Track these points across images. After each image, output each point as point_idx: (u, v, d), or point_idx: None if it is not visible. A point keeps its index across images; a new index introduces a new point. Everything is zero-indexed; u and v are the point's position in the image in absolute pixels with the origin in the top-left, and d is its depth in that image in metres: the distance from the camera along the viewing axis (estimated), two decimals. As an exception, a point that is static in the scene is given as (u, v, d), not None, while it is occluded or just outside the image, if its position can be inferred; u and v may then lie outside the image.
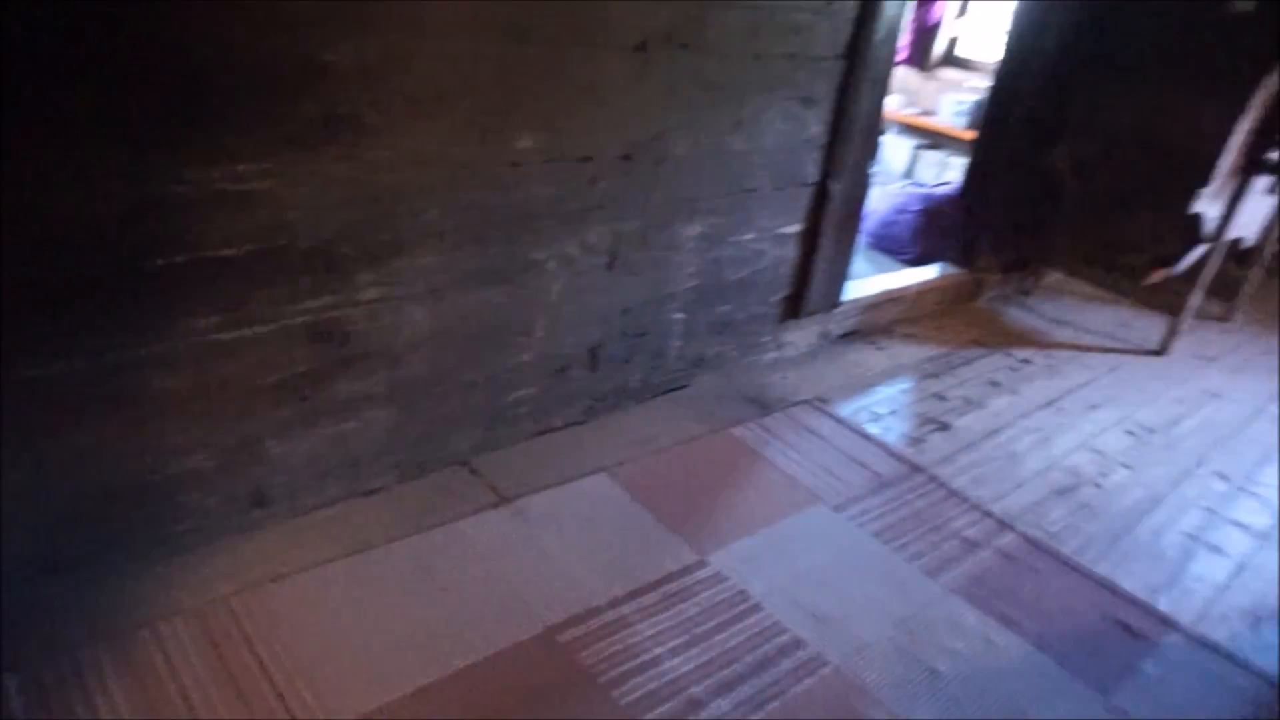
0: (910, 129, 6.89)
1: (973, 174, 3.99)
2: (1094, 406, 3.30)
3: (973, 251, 3.99)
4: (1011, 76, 3.73)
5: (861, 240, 4.10)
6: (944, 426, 2.95)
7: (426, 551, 1.98)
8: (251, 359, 1.77)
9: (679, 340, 2.72)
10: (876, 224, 4.67)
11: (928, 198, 4.54)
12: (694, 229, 2.54)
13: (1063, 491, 2.69)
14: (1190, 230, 3.61)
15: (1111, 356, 3.82)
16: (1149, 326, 4.13)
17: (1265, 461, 3.12)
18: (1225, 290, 4.38)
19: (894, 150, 6.89)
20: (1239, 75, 3.32)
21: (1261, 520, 2.74)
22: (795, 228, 2.87)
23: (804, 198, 2.84)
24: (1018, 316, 4.09)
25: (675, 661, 1.79)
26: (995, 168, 3.89)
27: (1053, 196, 4.05)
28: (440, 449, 2.24)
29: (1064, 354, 3.75)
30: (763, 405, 2.86)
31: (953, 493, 2.57)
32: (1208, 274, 3.81)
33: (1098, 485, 2.77)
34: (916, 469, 2.65)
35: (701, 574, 2.06)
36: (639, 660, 1.78)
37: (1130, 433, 3.15)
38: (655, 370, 2.71)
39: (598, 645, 1.80)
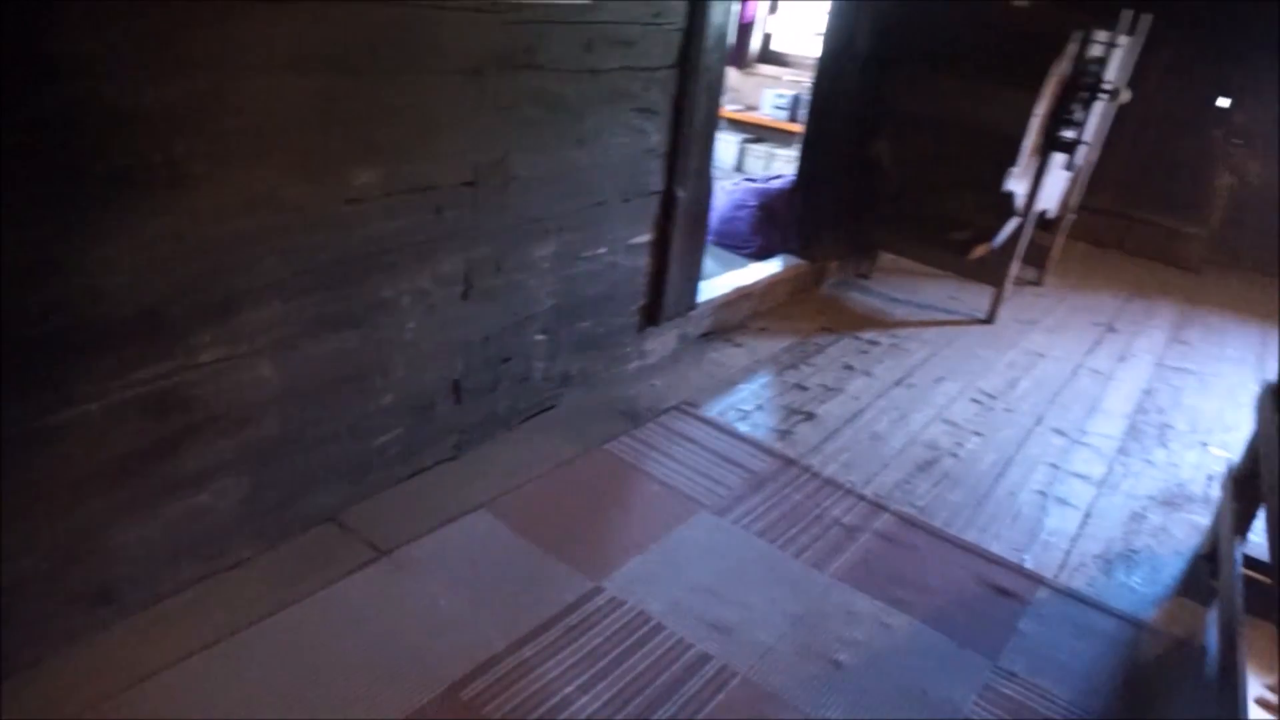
0: (735, 124, 7.08)
1: (804, 167, 4.13)
2: (940, 379, 3.49)
3: (812, 241, 4.13)
4: (831, 72, 3.88)
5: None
6: (809, 416, 3.03)
7: (304, 623, 1.84)
8: (80, 443, 1.58)
9: (543, 362, 2.66)
10: (716, 221, 4.75)
11: (764, 192, 4.67)
12: (547, 249, 2.48)
13: (925, 465, 2.82)
14: (1005, 207, 3.88)
15: (948, 329, 4.05)
16: (976, 297, 4.41)
17: (1092, 412, 3.39)
18: (1035, 257, 4.74)
19: (723, 146, 7.06)
20: (1033, 63, 3.59)
21: (1097, 469, 2.97)
22: (646, 237, 2.87)
23: (652, 207, 2.84)
24: (859, 300, 4.27)
25: (586, 699, 1.74)
26: (825, 160, 4.04)
27: (879, 184, 4.26)
28: (305, 509, 2.09)
29: (906, 331, 3.94)
30: (634, 417, 2.84)
31: (826, 481, 2.64)
32: (1021, 245, 4.11)
33: (955, 455, 2.92)
34: (789, 462, 2.71)
35: (598, 601, 2.02)
36: (550, 703, 1.72)
37: (975, 400, 3.34)
38: (522, 395, 2.64)
39: (505, 696, 1.72)
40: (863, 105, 4.00)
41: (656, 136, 2.72)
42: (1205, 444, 3.29)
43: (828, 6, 3.85)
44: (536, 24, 2.14)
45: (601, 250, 2.69)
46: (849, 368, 3.46)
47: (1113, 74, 3.98)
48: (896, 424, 3.07)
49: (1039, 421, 3.25)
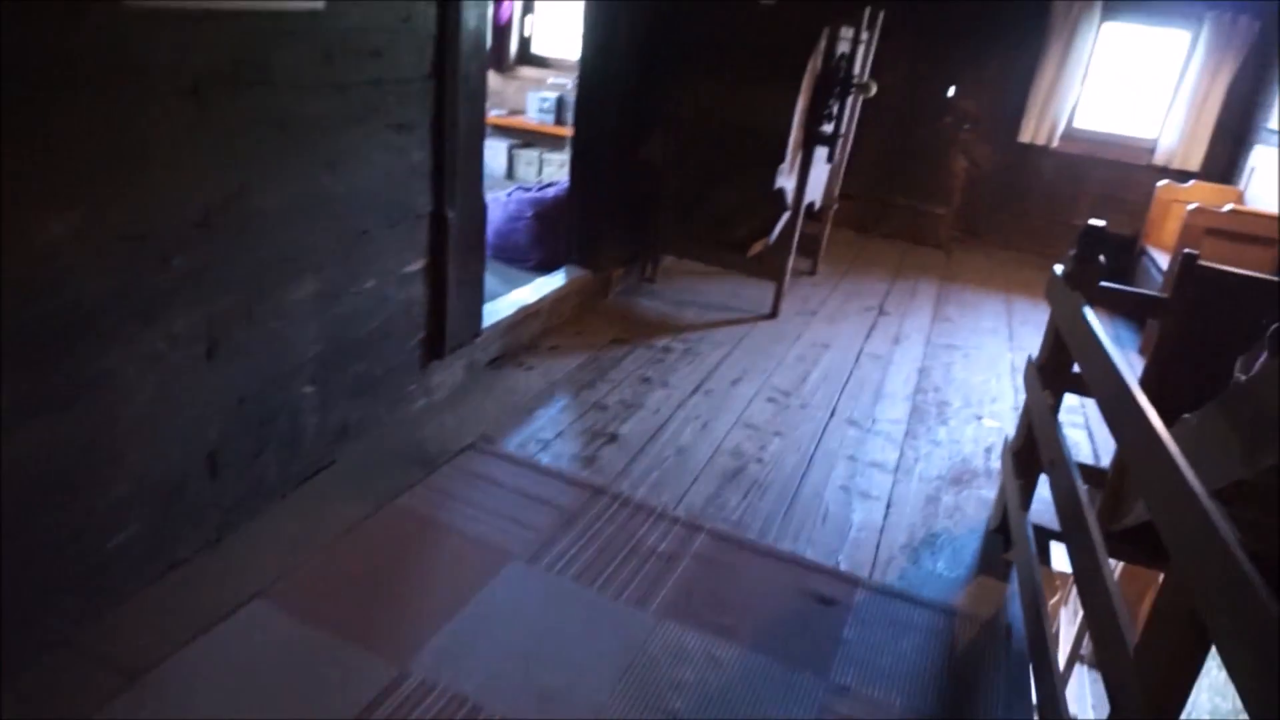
0: (501, 130, 6.87)
1: (578, 173, 4.01)
2: (736, 381, 3.48)
3: (594, 250, 4.02)
4: (595, 75, 3.77)
5: (484, 255, 3.95)
6: (612, 437, 2.90)
7: (29, 792, 1.47)
8: None
9: (315, 416, 2.35)
10: (492, 234, 4.53)
11: (539, 201, 4.50)
12: (306, 289, 2.18)
13: (733, 475, 2.78)
14: (777, 203, 3.95)
15: (736, 328, 4.08)
16: (759, 292, 4.49)
17: (878, 399, 3.52)
18: (806, 247, 4.90)
19: (491, 154, 6.82)
20: (789, 61, 3.66)
21: (890, 455, 3.06)
22: (419, 264, 2.62)
23: (422, 230, 2.59)
24: (647, 306, 4.22)
25: (401, 819, 1.50)
26: (598, 164, 3.94)
27: (655, 186, 4.22)
28: (28, 637, 1.69)
29: (697, 334, 3.92)
30: (425, 462, 2.59)
31: (638, 507, 2.52)
32: (795, 238, 4.21)
33: (759, 460, 2.90)
34: (598, 491, 2.57)
35: (406, 689, 1.77)
36: (356, 834, 1.47)
37: (772, 399, 3.36)
38: (294, 457, 2.32)
39: (300, 837, 1.45)
40: (632, 107, 3.93)
41: (419, 154, 2.48)
42: (979, 417, 3.50)
43: (583, 7, 3.73)
44: (263, 34, 1.85)
45: (370, 283, 2.42)
46: (646, 380, 3.38)
47: (859, 68, 4.15)
48: (700, 434, 3.01)
49: (833, 414, 3.31)
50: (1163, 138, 5.65)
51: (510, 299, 3.46)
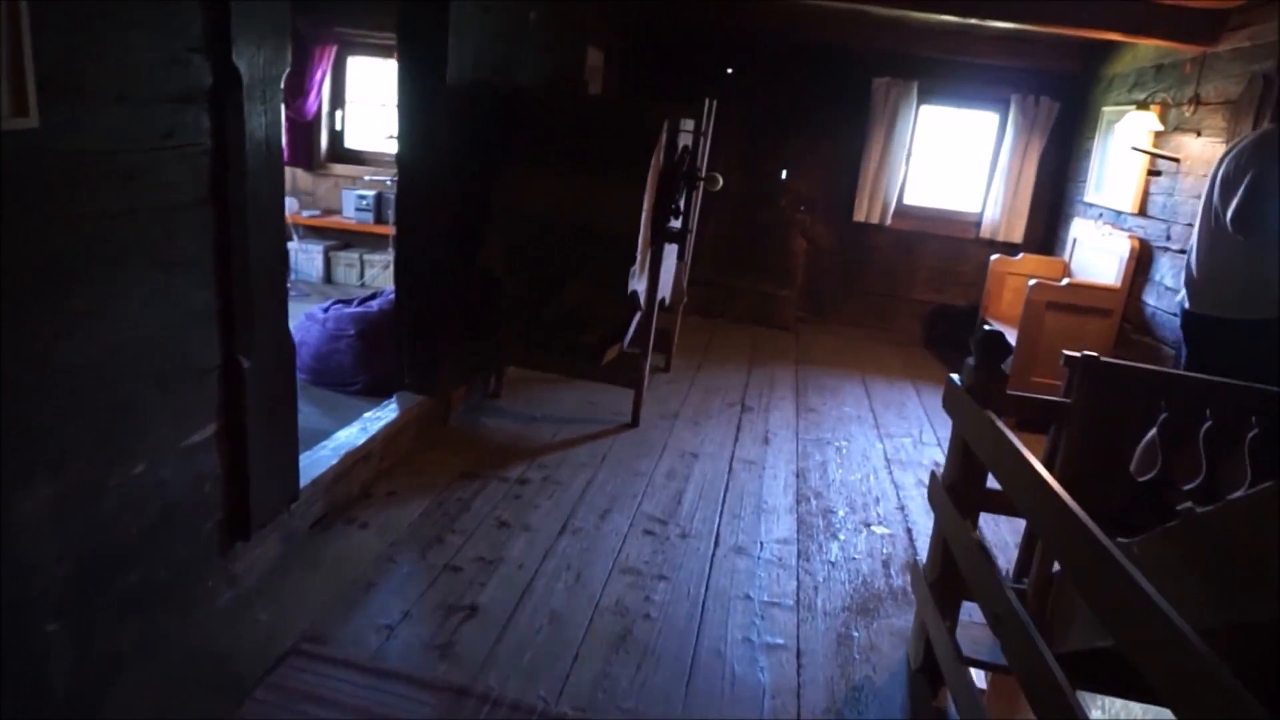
0: (316, 231, 6.29)
1: (405, 282, 3.53)
2: (605, 512, 3.07)
3: (428, 369, 3.54)
4: (419, 170, 3.34)
5: (297, 380, 3.39)
6: (471, 610, 2.41)
7: None
8: None
9: (69, 656, 1.74)
10: (310, 357, 3.97)
11: (362, 317, 3.99)
12: (42, 491, 1.61)
13: (619, 641, 2.35)
14: (630, 305, 3.63)
15: (596, 443, 3.69)
16: (614, 398, 4.13)
17: (760, 515, 3.20)
18: (659, 342, 4.61)
19: (306, 258, 6.21)
20: (632, 156, 3.39)
21: (787, 587, 2.73)
22: (208, 430, 2.08)
23: (209, 388, 2.06)
24: (496, 427, 3.76)
25: None
26: (428, 272, 3.48)
27: (494, 293, 3.81)
28: None
29: (555, 457, 3.50)
30: (233, 685, 2.00)
31: (514, 708, 2.04)
32: (650, 341, 3.90)
33: (647, 615, 2.48)
34: (461, 693, 2.07)
35: None
36: None
37: (648, 531, 2.97)
38: (40, 717, 1.70)
39: None
40: (463, 206, 3.54)
41: (200, 296, 1.97)
42: (868, 524, 3.24)
43: (397, 98, 3.32)
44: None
45: (139, 468, 1.86)
46: (504, 524, 2.91)
47: (701, 160, 3.96)
48: (574, 590, 2.57)
49: (717, 543, 2.96)
50: (986, 212, 5.82)
51: (335, 442, 2.92)
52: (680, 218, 3.71)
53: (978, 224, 5.87)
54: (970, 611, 2.23)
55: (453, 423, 3.72)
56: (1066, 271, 5.13)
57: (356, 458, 2.90)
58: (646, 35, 5.85)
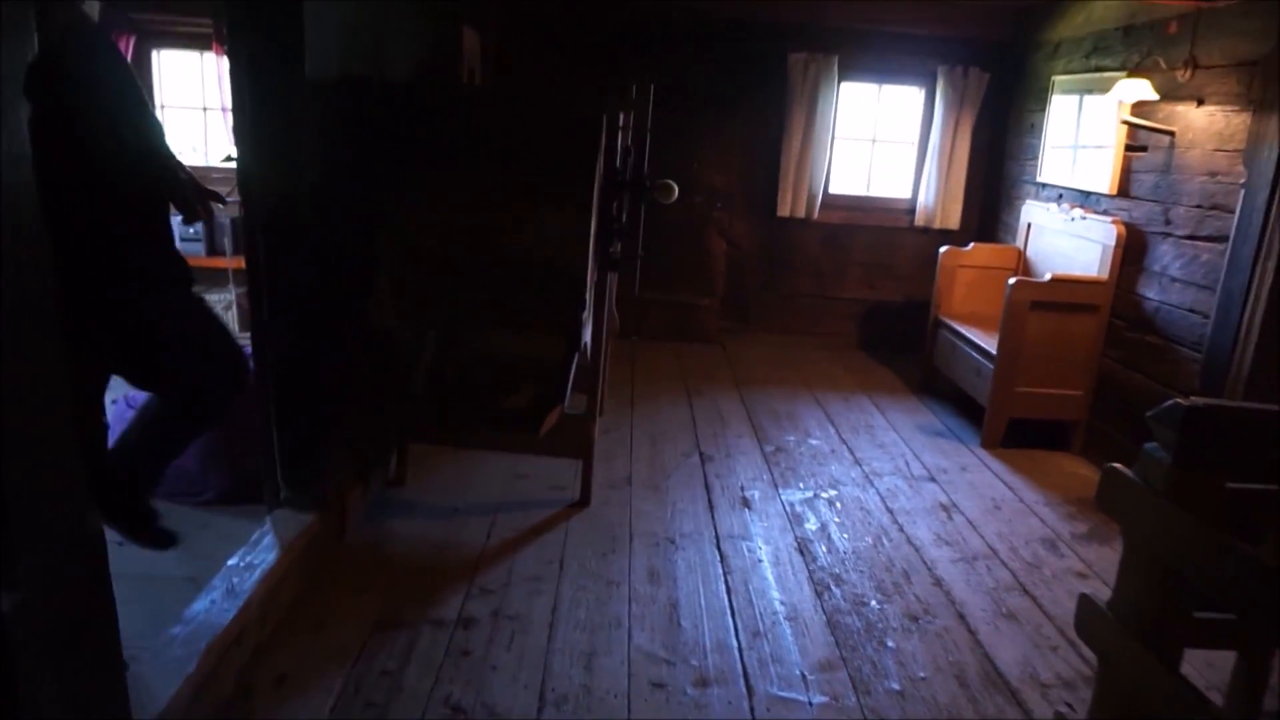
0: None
1: (270, 349, 2.53)
2: (589, 661, 2.23)
3: (309, 466, 2.57)
4: (277, 201, 2.37)
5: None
6: None
7: None
8: None
9: None
10: (139, 457, 2.90)
11: (207, 398, 2.95)
12: None
13: None
14: (565, 355, 2.78)
15: (544, 539, 2.84)
16: (547, 465, 3.28)
17: (783, 628, 2.44)
18: (580, 380, 3.78)
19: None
20: (569, 168, 2.54)
21: (868, 751, 1.99)
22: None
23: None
24: (410, 534, 2.83)
25: None
26: (297, 331, 2.51)
27: (389, 352, 2.86)
28: None
29: (497, 572, 2.62)
30: None
31: None
32: (601, 399, 3.08)
33: None
34: None
35: None
36: None
37: (656, 684, 2.16)
38: None
39: None
40: (342, 242, 2.59)
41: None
42: (914, 618, 2.55)
43: (232, 99, 2.32)
44: None
45: None
46: (457, 709, 2.02)
47: (645, 164, 3.14)
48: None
49: (749, 689, 2.18)
50: (920, 197, 5.28)
51: (190, 624, 1.95)
52: (629, 240, 2.90)
53: (911, 211, 5.33)
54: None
55: (352, 539, 2.77)
56: (1022, 261, 4.64)
57: (225, 645, 1.94)
58: (528, 12, 4.95)
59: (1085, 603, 1.75)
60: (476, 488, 3.17)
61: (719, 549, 2.89)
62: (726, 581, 2.69)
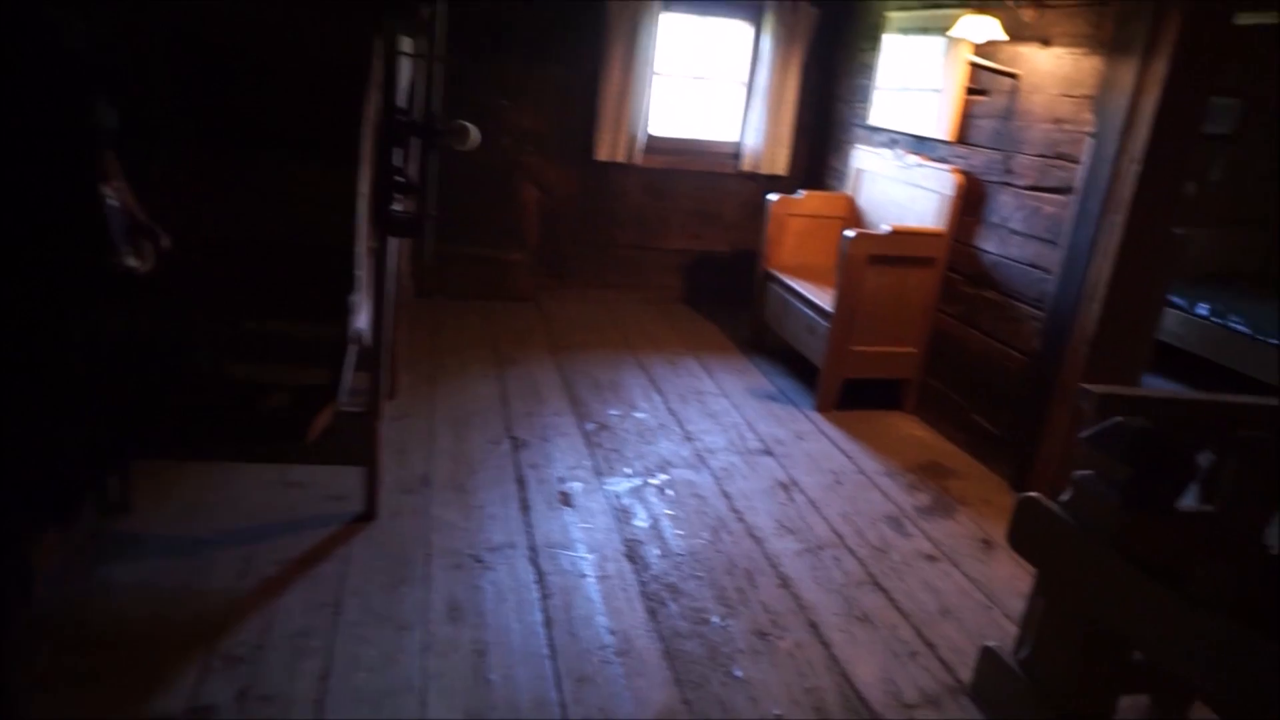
0: None
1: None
2: (371, 753, 1.73)
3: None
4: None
5: None
6: None
7: None
8: None
9: None
10: None
11: None
12: None
13: None
14: (344, 348, 2.20)
15: (317, 573, 2.27)
16: (327, 474, 2.69)
17: (611, 666, 2.03)
18: (371, 362, 3.19)
19: None
20: (332, 113, 1.92)
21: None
22: None
23: None
24: (125, 584, 2.18)
25: None
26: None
27: (98, 350, 2.17)
28: None
29: (248, 631, 2.04)
30: None
31: None
32: (380, 387, 2.52)
33: None
34: None
35: None
36: None
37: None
38: None
39: None
40: (17, 206, 1.86)
41: None
42: (762, 634, 2.20)
43: None
44: None
45: None
46: None
47: (435, 102, 2.54)
48: None
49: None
50: (746, 140, 4.93)
51: None
52: (415, 197, 2.32)
53: (737, 155, 4.96)
54: None
55: (45, 590, 2.08)
56: (853, 209, 4.39)
57: None
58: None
59: (990, 659, 1.44)
60: (230, 508, 2.53)
61: (536, 565, 2.43)
62: (545, 609, 2.24)
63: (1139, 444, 1.14)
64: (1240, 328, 4.56)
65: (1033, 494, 1.35)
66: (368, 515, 2.55)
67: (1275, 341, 4.37)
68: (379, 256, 2.35)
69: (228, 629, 2.03)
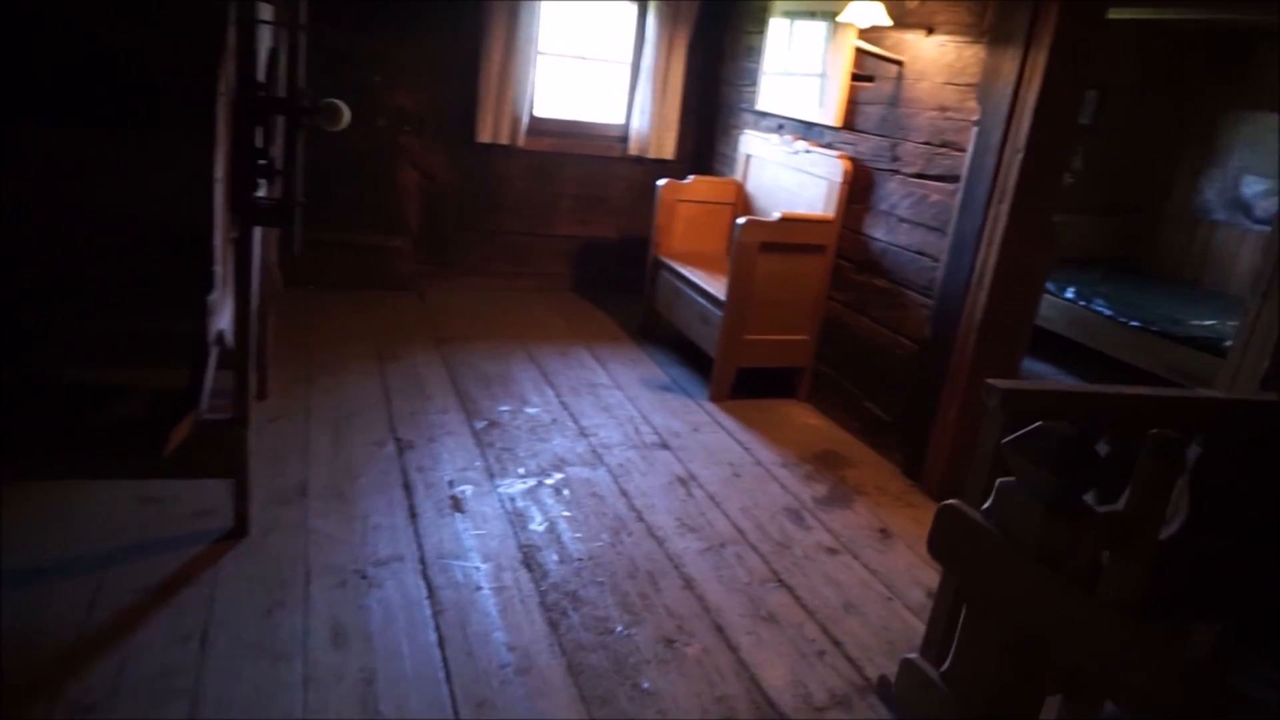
0: None
1: None
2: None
3: None
4: None
5: None
6: None
7: None
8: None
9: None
10: None
11: None
12: None
13: None
14: (204, 349, 1.98)
15: (180, 603, 2.05)
16: (191, 488, 2.45)
17: (510, 685, 1.91)
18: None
19: None
20: (180, 82, 1.70)
21: None
22: None
23: None
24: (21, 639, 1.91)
25: None
26: None
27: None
28: None
29: (96, 679, 1.81)
30: None
31: None
32: (247, 393, 2.29)
33: None
34: None
35: None
36: None
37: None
38: None
39: None
40: None
41: None
42: (669, 641, 2.13)
43: None
44: None
45: None
46: None
47: (300, 77, 2.31)
48: None
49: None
50: (633, 123, 4.82)
51: None
52: (278, 179, 2.11)
53: (624, 138, 4.85)
54: None
55: None
56: (742, 195, 4.36)
57: None
58: None
59: (910, 671, 1.40)
60: (77, 530, 2.26)
61: (427, 578, 2.28)
62: (438, 627, 2.09)
63: (1066, 453, 1.11)
64: (1104, 310, 4.79)
65: (952, 501, 1.31)
66: (237, 532, 2.33)
67: (1135, 324, 4.60)
68: (242, 247, 2.13)
69: (75, 672, 1.80)
